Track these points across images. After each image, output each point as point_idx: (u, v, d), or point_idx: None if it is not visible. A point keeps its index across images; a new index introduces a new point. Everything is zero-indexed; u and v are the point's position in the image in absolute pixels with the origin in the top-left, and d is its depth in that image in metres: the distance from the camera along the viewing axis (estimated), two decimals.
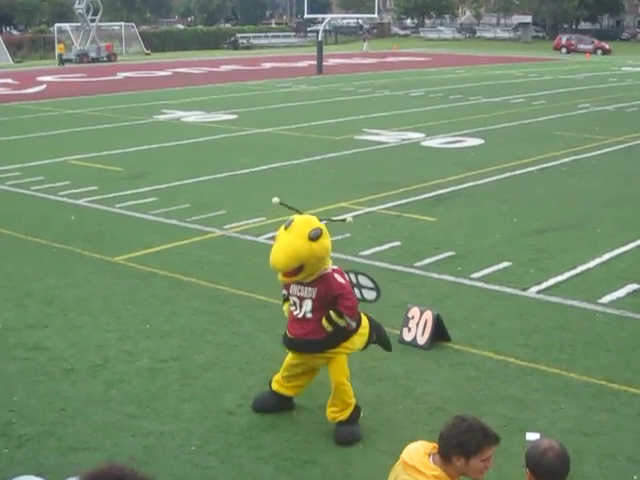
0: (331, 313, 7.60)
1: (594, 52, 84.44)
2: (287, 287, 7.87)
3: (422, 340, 9.90)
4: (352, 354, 9.31)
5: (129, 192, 18.16)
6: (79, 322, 10.77)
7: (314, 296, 7.64)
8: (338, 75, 52.09)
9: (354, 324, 7.77)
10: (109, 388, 8.90)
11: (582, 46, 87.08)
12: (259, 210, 16.30)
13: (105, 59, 69.12)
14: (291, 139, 26.33)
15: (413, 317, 10.04)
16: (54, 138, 26.75)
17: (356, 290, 8.17)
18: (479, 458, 4.51)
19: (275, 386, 8.25)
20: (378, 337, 8.28)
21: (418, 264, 13.12)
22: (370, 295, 8.33)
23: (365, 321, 8.00)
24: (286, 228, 7.59)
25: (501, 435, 7.81)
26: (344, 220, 8.42)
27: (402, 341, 10.00)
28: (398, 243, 14.24)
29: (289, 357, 8.10)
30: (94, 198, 17.62)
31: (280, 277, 7.73)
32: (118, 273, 12.81)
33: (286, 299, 8.03)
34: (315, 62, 55.24)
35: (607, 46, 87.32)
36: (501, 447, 7.50)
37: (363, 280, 8.35)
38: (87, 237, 14.73)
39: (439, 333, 9.99)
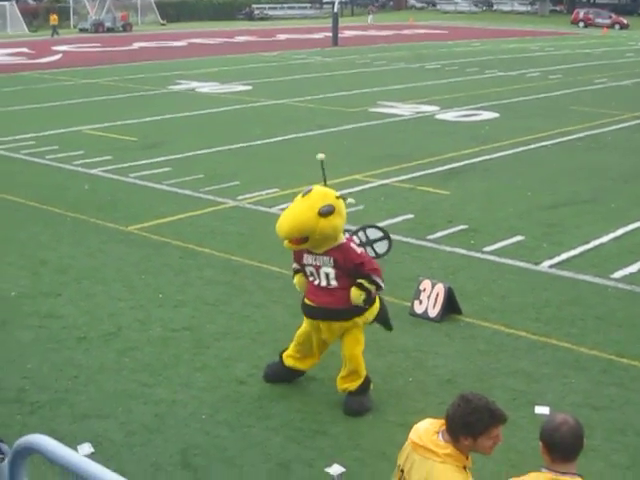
0: (362, 281, 7.60)
1: (612, 26, 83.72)
2: (300, 258, 7.86)
3: (433, 313, 9.92)
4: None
5: (143, 162, 18.19)
6: (92, 291, 10.84)
7: (333, 264, 7.63)
8: (353, 47, 51.89)
9: (382, 284, 7.77)
10: (121, 356, 8.97)
11: (600, 20, 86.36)
12: (273, 181, 16.32)
13: (120, 29, 69.00)
14: (305, 111, 26.29)
15: (425, 290, 10.05)
16: (69, 107, 26.77)
17: (368, 249, 8.15)
18: (486, 437, 4.49)
19: (290, 362, 8.27)
20: (383, 317, 8.24)
21: (431, 237, 13.13)
22: (382, 248, 8.26)
23: (377, 298, 7.99)
24: (303, 196, 7.59)
25: (510, 408, 7.86)
26: (345, 199, 8.26)
27: (413, 314, 10.02)
28: (411, 216, 14.24)
29: (303, 327, 8.11)
30: (108, 168, 17.66)
31: (286, 243, 7.72)
32: (131, 242, 12.86)
33: (296, 272, 8.05)
34: (330, 34, 54.99)
35: (625, 21, 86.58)
36: (510, 420, 7.54)
37: (372, 233, 8.28)
38: (101, 206, 14.78)
39: (450, 306, 10.01)
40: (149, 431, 7.49)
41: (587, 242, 12.96)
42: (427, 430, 4.63)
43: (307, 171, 16.65)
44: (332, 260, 7.62)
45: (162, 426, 7.57)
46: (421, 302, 10.04)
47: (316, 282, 7.78)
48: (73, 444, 6.58)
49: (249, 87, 31.77)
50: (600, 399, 8.14)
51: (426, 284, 10.11)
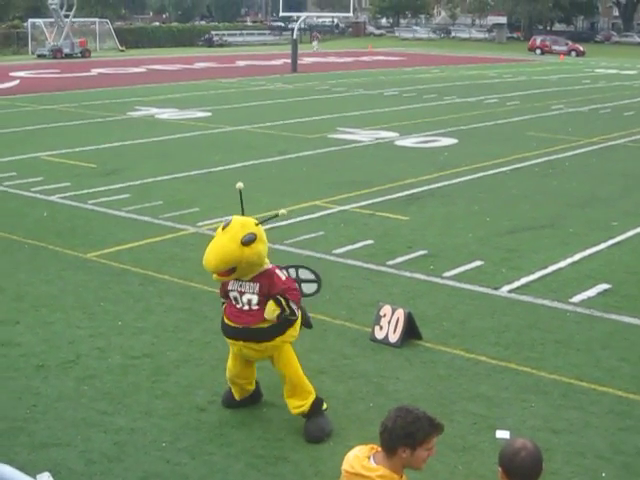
0: (281, 298, 7.61)
1: (568, 54, 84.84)
2: (225, 284, 7.89)
3: (394, 338, 9.93)
4: (323, 351, 9.38)
5: (102, 188, 18.10)
6: (51, 318, 10.74)
7: (257, 291, 7.65)
8: (313, 74, 52.09)
9: (297, 313, 7.81)
10: (80, 384, 8.88)
11: (556, 47, 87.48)
12: (232, 207, 16.14)
13: (79, 55, 68.84)
14: (265, 137, 26.31)
15: (385, 315, 10.06)
16: (27, 134, 26.60)
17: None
18: (424, 447, 4.55)
19: (238, 396, 8.31)
20: (306, 321, 8.33)
21: (391, 263, 13.15)
22: (310, 289, 8.28)
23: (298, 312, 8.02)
24: (223, 228, 7.62)
25: (471, 433, 7.90)
26: (277, 215, 8.26)
27: (374, 339, 10.02)
28: (371, 242, 14.27)
29: (229, 368, 8.16)
30: (67, 194, 17.55)
31: (214, 277, 7.75)
32: (90, 269, 12.77)
33: (224, 304, 8.10)
34: (290, 60, 55.20)
35: (581, 48, 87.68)
36: (471, 444, 7.60)
37: (303, 273, 8.30)
38: (59, 233, 14.68)
39: (411, 331, 10.02)
40: (109, 460, 7.42)
41: (545, 267, 13.05)
42: (357, 457, 4.68)
43: (266, 197, 16.68)
44: (258, 286, 7.64)
45: (122, 454, 7.51)
46: (381, 328, 10.05)
47: (238, 306, 7.79)
48: (32, 473, 6.51)
49: (208, 113, 31.76)
50: (560, 423, 8.18)
51: (386, 309, 10.13)
